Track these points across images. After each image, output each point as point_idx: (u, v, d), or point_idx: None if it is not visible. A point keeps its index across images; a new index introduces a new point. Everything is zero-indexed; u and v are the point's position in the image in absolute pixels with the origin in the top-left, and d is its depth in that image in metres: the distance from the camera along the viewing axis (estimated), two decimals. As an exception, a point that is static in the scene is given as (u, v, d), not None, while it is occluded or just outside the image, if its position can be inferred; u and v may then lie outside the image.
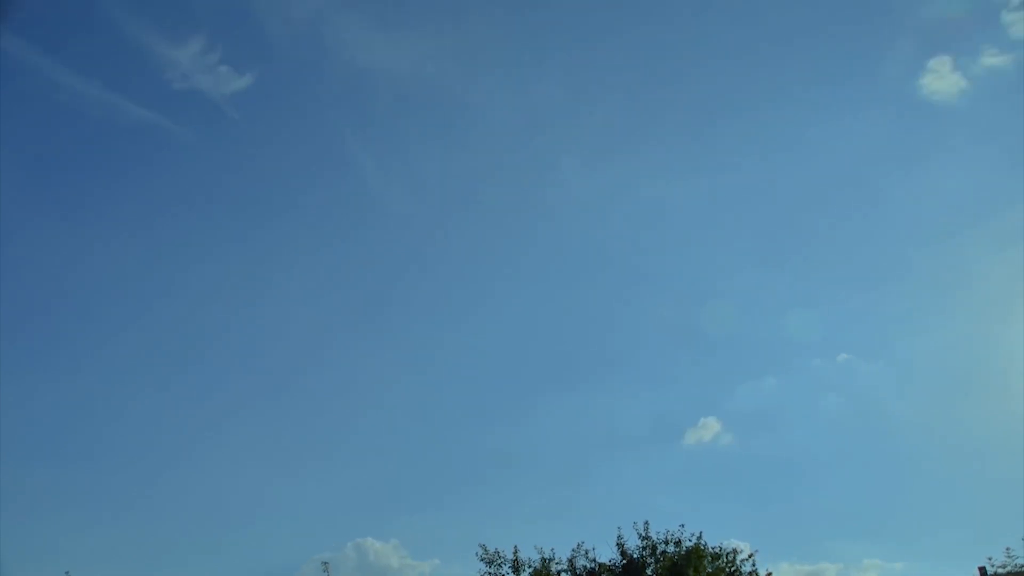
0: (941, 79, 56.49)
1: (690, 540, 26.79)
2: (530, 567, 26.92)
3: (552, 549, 27.15)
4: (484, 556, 27.08)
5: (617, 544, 26.97)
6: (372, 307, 46.47)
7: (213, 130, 44.88)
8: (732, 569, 26.84)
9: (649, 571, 26.54)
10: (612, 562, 26.90)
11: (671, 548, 26.62)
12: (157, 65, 42.18)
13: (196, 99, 42.15)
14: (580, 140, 48.32)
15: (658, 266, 58.19)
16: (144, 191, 46.63)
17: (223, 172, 47.18)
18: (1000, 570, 27.56)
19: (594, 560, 27.07)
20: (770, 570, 27.32)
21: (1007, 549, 27.35)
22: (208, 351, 50.67)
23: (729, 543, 27.25)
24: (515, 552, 27.10)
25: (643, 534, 26.85)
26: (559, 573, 26.99)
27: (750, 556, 27.11)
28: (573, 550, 27.25)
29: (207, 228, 47.19)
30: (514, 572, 26.93)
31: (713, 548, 26.91)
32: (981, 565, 28.20)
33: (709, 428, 52.77)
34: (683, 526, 26.98)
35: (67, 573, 27.08)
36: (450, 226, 45.83)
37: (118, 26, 42.49)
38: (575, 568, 27.07)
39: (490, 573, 27.00)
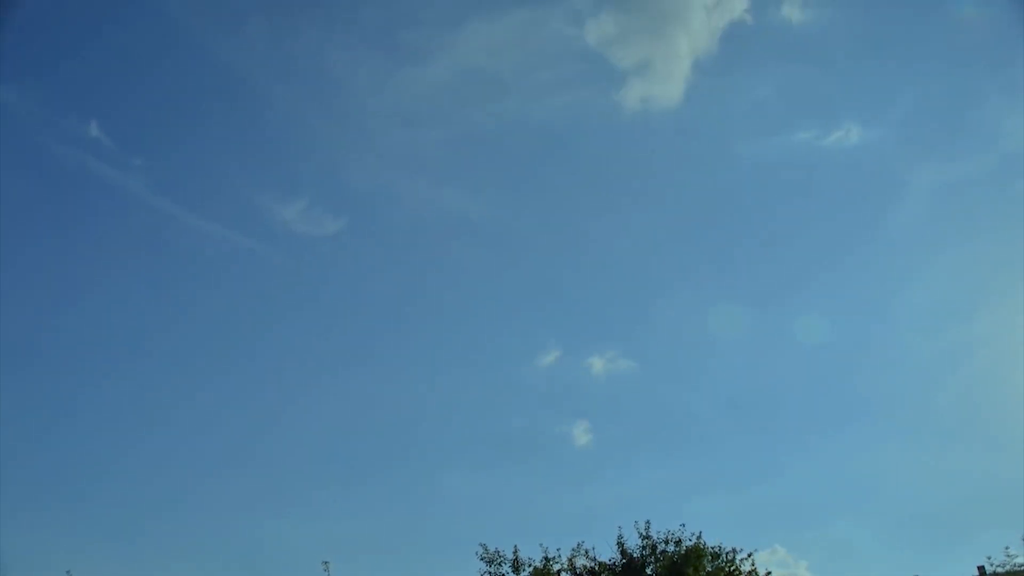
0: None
1: (690, 539, 26.87)
2: (530, 566, 26.93)
3: (558, 549, 27.24)
4: (484, 555, 27.07)
5: (617, 543, 27.08)
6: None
7: (306, 258, 58.92)
8: (731, 568, 26.87)
9: (649, 570, 26.58)
10: (612, 561, 26.96)
11: (671, 547, 26.66)
12: (268, 215, 56.75)
13: (297, 238, 56.88)
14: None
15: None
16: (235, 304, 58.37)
17: (315, 288, 60.12)
18: (999, 569, 27.62)
19: (594, 559, 27.14)
20: (769, 569, 27.43)
21: (1006, 548, 27.45)
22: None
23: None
24: (515, 551, 27.13)
25: (643, 533, 26.95)
26: (559, 572, 27.02)
27: (749, 555, 27.22)
28: (573, 549, 27.29)
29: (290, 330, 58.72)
30: (514, 571, 26.93)
31: (713, 547, 26.98)
32: (980, 564, 28.30)
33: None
34: (683, 525, 27.09)
35: (68, 573, 27.07)
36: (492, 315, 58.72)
37: (239, 188, 58.41)
38: (575, 567, 27.10)
39: (490, 572, 27.01)
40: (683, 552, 26.44)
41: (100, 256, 59.11)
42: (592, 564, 27.10)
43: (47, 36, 55.39)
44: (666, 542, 26.75)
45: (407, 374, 60.09)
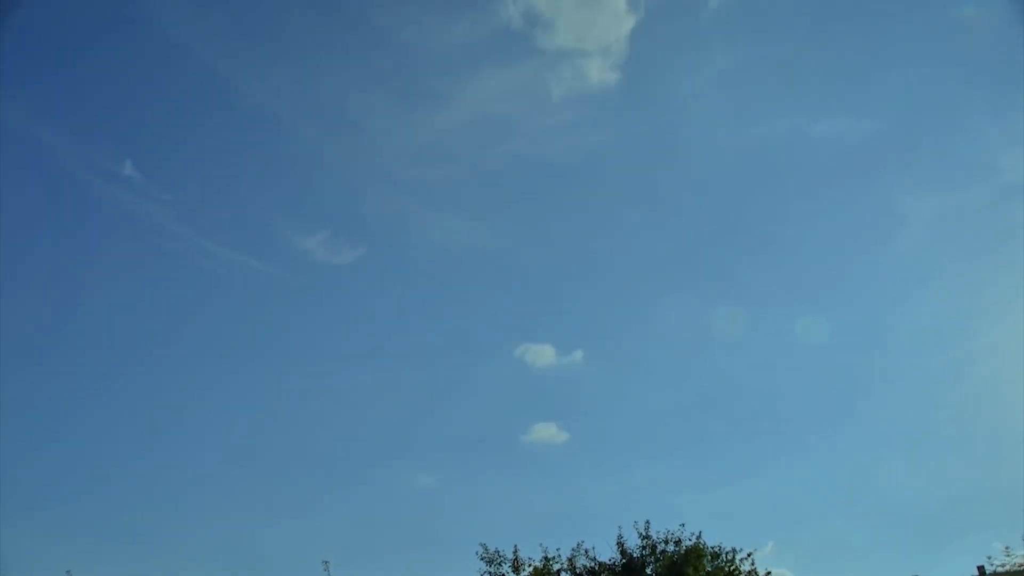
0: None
1: (690, 539, 26.88)
2: (530, 566, 26.92)
3: (557, 549, 27.24)
4: (484, 555, 27.02)
5: (617, 543, 27.08)
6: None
7: (324, 285, 62.40)
8: (731, 568, 26.88)
9: (649, 570, 26.59)
10: (612, 561, 26.97)
11: (671, 547, 26.67)
12: (289, 245, 60.49)
13: (316, 267, 60.28)
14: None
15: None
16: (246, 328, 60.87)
17: (323, 305, 63.43)
18: (999, 569, 27.65)
19: (594, 559, 27.14)
20: (769, 569, 27.45)
21: (1005, 548, 27.48)
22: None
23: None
24: (515, 551, 27.10)
25: (643, 533, 26.95)
26: (559, 572, 27.03)
27: (749, 555, 27.24)
28: (573, 549, 27.26)
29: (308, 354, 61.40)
30: (514, 571, 26.91)
31: (712, 547, 26.99)
32: (980, 564, 28.32)
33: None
34: (683, 525, 27.10)
35: (68, 573, 27.03)
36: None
37: (263, 219, 62.27)
38: (575, 567, 27.10)
39: (490, 572, 26.99)
40: (683, 552, 26.44)
41: (125, 274, 62.78)
42: (592, 564, 27.11)
43: (88, 81, 60.27)
44: (666, 542, 26.76)
45: (408, 382, 62.30)
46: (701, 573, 26.24)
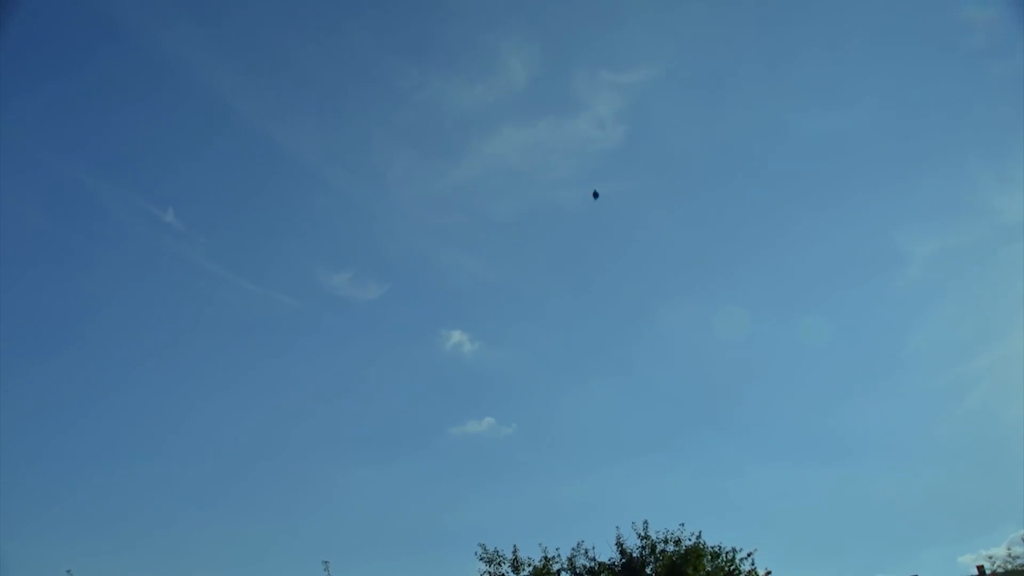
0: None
1: (689, 539, 26.90)
2: (530, 566, 26.91)
3: (557, 548, 27.24)
4: (484, 555, 27.03)
5: (617, 543, 27.10)
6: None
7: (347, 319, 65.85)
8: (731, 568, 26.86)
9: (649, 570, 26.58)
10: (612, 561, 26.96)
11: (670, 547, 26.67)
12: (317, 282, 64.39)
13: (339, 303, 64.32)
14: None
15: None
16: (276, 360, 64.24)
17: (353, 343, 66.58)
18: (999, 569, 27.65)
19: (594, 559, 27.13)
20: (768, 568, 27.42)
21: (1007, 548, 27.48)
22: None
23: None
24: (515, 551, 27.10)
25: (642, 533, 26.97)
26: (559, 572, 27.00)
27: (749, 555, 27.21)
28: (573, 549, 27.28)
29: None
30: (514, 571, 26.90)
31: (712, 547, 26.99)
32: (980, 564, 28.33)
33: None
34: (683, 525, 27.14)
35: (68, 572, 27.06)
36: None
37: (292, 256, 66.37)
38: (575, 567, 27.08)
39: (490, 572, 26.96)
40: (682, 552, 26.44)
41: (150, 298, 66.43)
42: (592, 564, 27.09)
43: (134, 130, 66.55)
44: (665, 542, 26.77)
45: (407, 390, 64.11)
46: (701, 573, 26.23)
